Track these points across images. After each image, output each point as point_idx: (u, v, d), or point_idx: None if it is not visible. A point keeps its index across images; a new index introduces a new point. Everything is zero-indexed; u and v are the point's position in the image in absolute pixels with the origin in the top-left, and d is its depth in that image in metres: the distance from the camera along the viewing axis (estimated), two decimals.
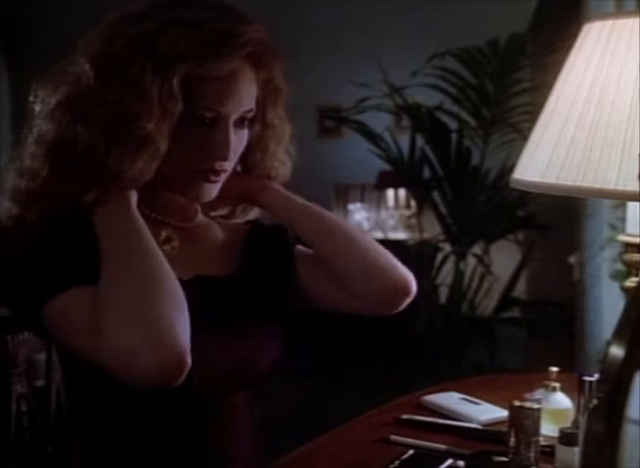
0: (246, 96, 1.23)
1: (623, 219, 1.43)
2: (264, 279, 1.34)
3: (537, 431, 1.20)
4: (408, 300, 1.36)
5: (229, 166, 1.25)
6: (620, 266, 2.59)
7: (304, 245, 1.38)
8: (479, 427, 1.44)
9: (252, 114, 1.25)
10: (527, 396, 1.24)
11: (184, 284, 1.18)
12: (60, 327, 1.15)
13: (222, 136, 1.21)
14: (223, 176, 1.25)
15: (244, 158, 1.32)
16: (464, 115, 3.95)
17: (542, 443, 1.22)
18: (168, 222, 1.29)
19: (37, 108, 1.22)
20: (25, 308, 1.17)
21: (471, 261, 4.00)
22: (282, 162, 1.36)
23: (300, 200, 1.36)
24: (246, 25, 1.20)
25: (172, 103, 1.16)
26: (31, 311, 1.15)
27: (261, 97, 1.28)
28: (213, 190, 1.26)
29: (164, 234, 1.28)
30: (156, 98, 1.15)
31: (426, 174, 4.03)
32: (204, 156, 1.22)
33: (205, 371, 1.20)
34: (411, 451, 1.31)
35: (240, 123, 1.24)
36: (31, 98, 1.23)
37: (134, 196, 1.22)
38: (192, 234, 1.32)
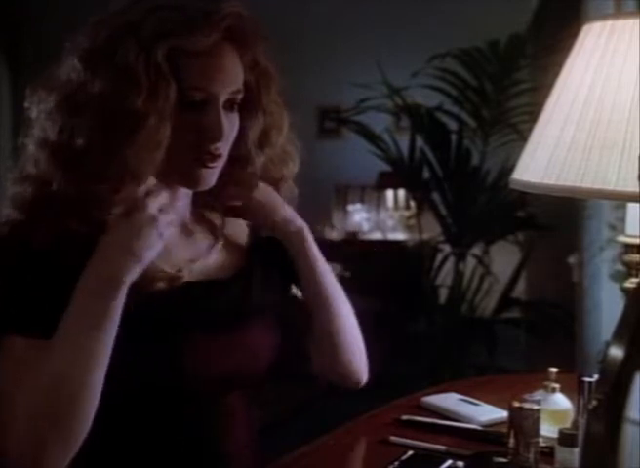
0: (232, 74, 1.22)
1: (623, 220, 1.43)
2: (265, 281, 1.34)
3: (536, 432, 1.19)
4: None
5: (224, 149, 1.24)
6: (619, 267, 2.59)
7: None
8: (479, 428, 1.44)
9: (241, 95, 1.24)
10: (526, 397, 1.24)
11: (187, 285, 1.20)
12: None
13: (214, 116, 1.20)
14: (220, 162, 1.24)
15: (253, 159, 1.30)
16: (464, 116, 3.95)
17: (542, 444, 1.22)
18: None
19: (34, 114, 1.22)
20: None
21: (471, 262, 4.01)
22: (290, 155, 1.35)
23: (320, 256, 1.37)
24: (224, 2, 1.21)
25: (162, 81, 1.16)
26: None
27: (254, 83, 1.27)
28: (211, 177, 1.24)
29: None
30: (144, 77, 1.15)
31: (426, 174, 4.03)
32: (198, 139, 1.21)
33: (201, 373, 1.20)
34: (410, 452, 1.31)
35: (230, 106, 1.23)
36: (26, 105, 1.23)
37: (132, 274, 1.16)
38: (195, 237, 1.32)
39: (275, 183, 1.36)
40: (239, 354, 1.27)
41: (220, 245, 1.34)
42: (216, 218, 1.35)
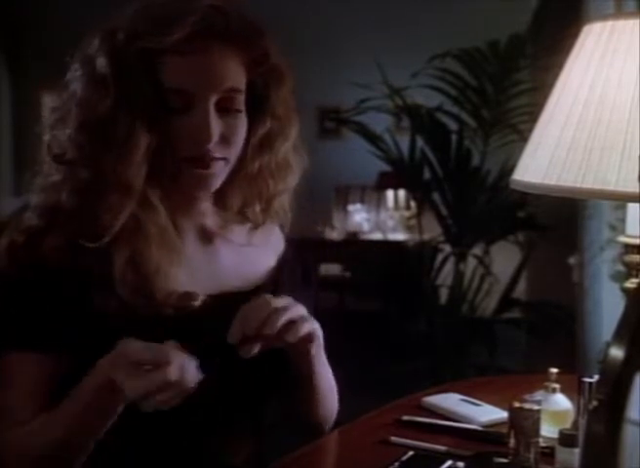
0: (220, 73, 1.15)
1: (623, 221, 1.43)
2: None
3: (536, 432, 1.19)
4: None
5: (225, 153, 1.18)
6: (619, 267, 2.59)
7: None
8: (479, 428, 1.43)
9: (240, 95, 1.18)
10: (527, 397, 1.24)
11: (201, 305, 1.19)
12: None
13: (200, 117, 1.14)
14: (219, 166, 1.18)
15: (247, 162, 1.23)
16: (464, 116, 3.95)
17: (542, 444, 1.22)
18: None
19: (49, 122, 1.21)
20: None
21: (471, 262, 4.01)
22: (291, 168, 1.27)
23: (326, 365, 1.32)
24: None
25: (133, 84, 1.13)
26: None
27: (261, 82, 1.21)
28: (211, 180, 1.19)
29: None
30: (112, 81, 1.13)
31: (426, 175, 4.03)
32: (187, 142, 1.16)
33: (204, 392, 1.20)
34: (411, 453, 1.31)
35: (226, 107, 1.17)
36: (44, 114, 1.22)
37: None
38: (215, 253, 1.29)
39: (267, 200, 1.29)
40: (241, 370, 1.25)
41: (242, 248, 1.30)
42: (236, 221, 1.31)
